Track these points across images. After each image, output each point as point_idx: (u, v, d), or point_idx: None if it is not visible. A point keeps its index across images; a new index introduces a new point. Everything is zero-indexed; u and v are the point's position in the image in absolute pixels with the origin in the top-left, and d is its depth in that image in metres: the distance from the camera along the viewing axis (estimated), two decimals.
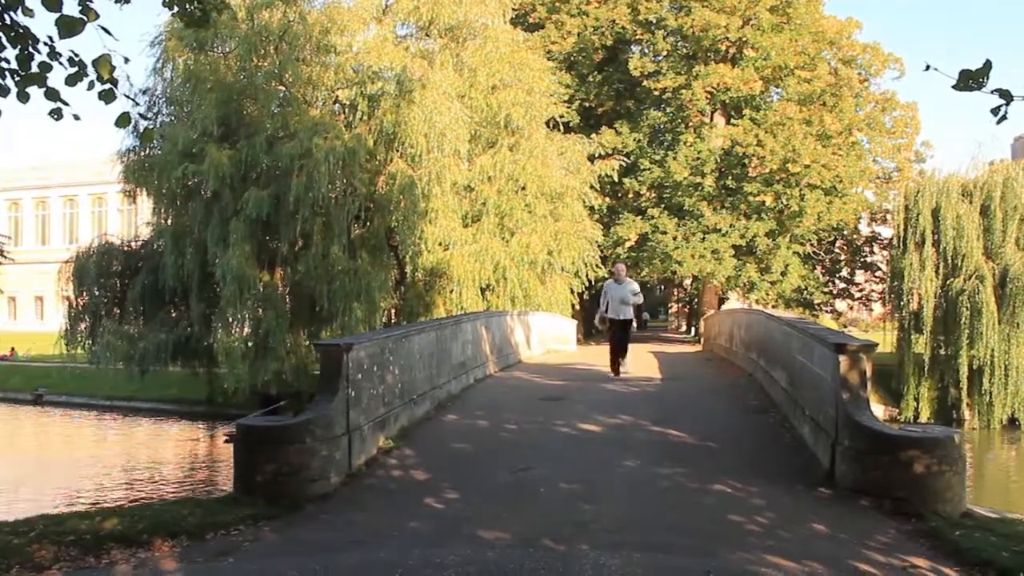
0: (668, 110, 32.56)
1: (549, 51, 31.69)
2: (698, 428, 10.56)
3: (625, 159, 31.13)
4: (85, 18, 4.59)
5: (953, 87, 3.17)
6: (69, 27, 4.46)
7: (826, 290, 36.45)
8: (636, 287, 15.52)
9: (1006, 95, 3.24)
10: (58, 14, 4.49)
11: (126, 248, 27.45)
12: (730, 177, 31.87)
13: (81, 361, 27.50)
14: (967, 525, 6.62)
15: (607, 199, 31.71)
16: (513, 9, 28.75)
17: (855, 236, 37.50)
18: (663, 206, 32.23)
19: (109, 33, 4.80)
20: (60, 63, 4.76)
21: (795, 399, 10.92)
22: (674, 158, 30.85)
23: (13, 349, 41.68)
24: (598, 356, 19.71)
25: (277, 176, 22.53)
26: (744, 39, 30.90)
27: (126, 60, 4.85)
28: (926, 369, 26.02)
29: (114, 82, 4.80)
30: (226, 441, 21.28)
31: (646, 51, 33.60)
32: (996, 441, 24.54)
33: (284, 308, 23.92)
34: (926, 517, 6.71)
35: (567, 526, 6.39)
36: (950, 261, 25.56)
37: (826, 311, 38.34)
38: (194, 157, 22.85)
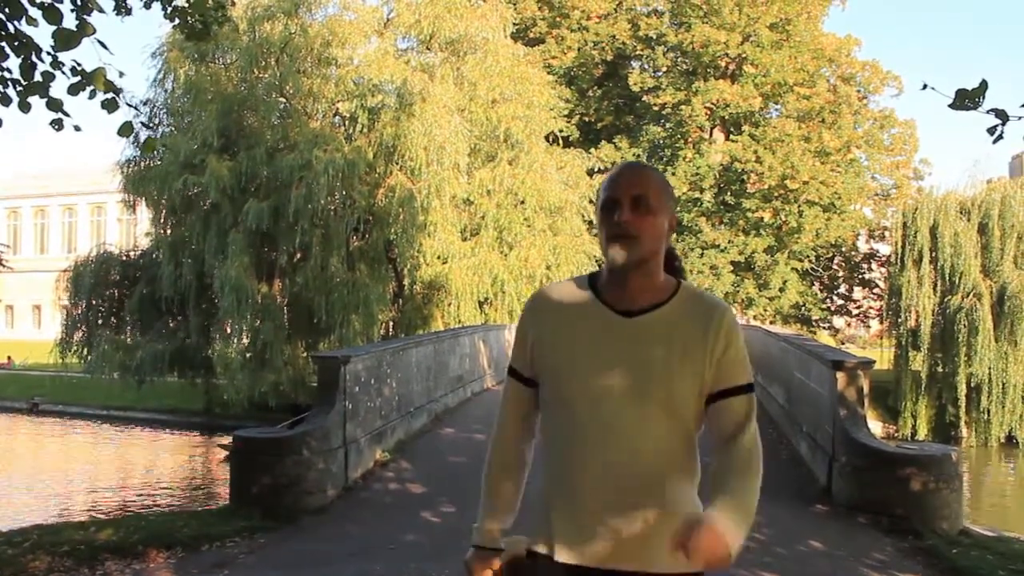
0: (667, 125, 32.64)
1: (549, 65, 31.80)
2: None
3: None
4: (82, 32, 4.61)
5: (950, 106, 3.19)
6: (66, 40, 4.49)
7: (824, 306, 36.46)
8: (735, 326, 1.97)
9: (1002, 115, 3.26)
10: (57, 26, 4.52)
11: (124, 258, 27.43)
12: (729, 193, 31.95)
13: (78, 370, 27.43)
14: (964, 543, 6.62)
15: None
16: (514, 24, 28.85)
17: (853, 253, 37.51)
18: None
19: (105, 47, 4.82)
20: (63, 73, 4.78)
21: (792, 415, 10.93)
22: (673, 173, 30.90)
23: (10, 358, 41.57)
24: None
25: (277, 188, 22.55)
26: (744, 56, 31.03)
27: (121, 74, 4.88)
28: (923, 386, 25.99)
29: (116, 92, 4.83)
30: (224, 459, 21.38)
31: (646, 67, 33.74)
32: (994, 459, 24.50)
33: (282, 319, 23.89)
34: (923, 535, 6.71)
35: None
36: (948, 279, 25.57)
37: (824, 327, 38.33)
38: (194, 168, 22.89)
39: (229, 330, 23.22)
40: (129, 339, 25.18)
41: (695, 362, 1.89)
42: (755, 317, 31.54)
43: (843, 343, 39.23)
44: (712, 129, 32.81)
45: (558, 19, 33.83)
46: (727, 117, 31.88)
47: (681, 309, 1.94)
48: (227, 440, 22.28)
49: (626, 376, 1.89)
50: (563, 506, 1.94)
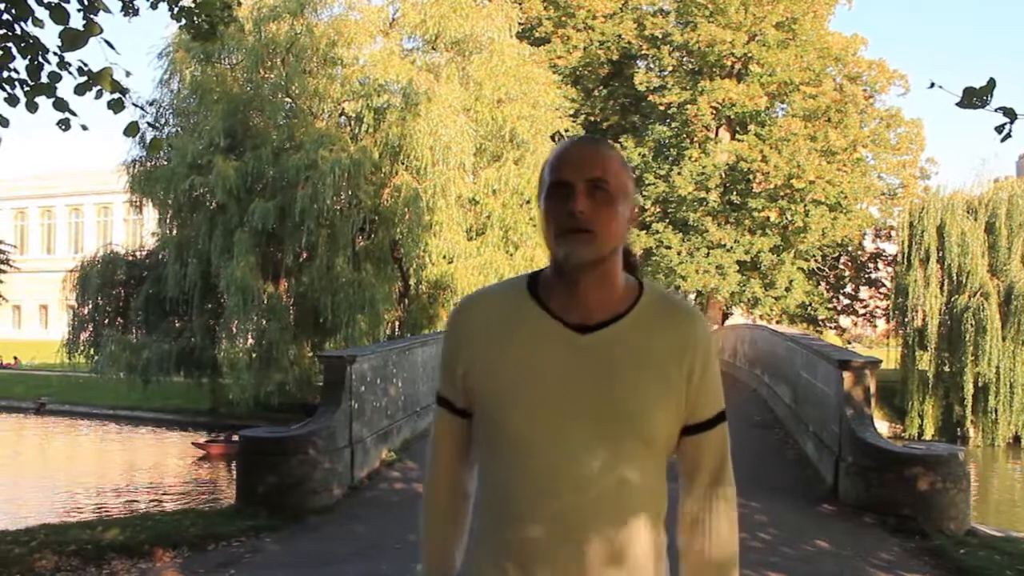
0: (673, 125, 32.59)
1: (555, 65, 31.78)
2: None
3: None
4: (89, 32, 4.62)
5: (957, 104, 3.18)
6: (73, 40, 4.50)
7: (830, 306, 36.36)
8: (711, 339, 1.66)
9: (1010, 113, 3.25)
10: (63, 27, 4.53)
11: (130, 258, 27.51)
12: (735, 192, 31.89)
13: (84, 370, 27.53)
14: (971, 543, 6.60)
15: None
16: (519, 23, 28.84)
17: (859, 252, 37.43)
18: (668, 221, 32.24)
19: (112, 47, 4.84)
20: (69, 73, 4.79)
21: (799, 415, 10.91)
22: (679, 173, 30.89)
23: (16, 358, 41.70)
24: None
25: (283, 188, 22.59)
26: (750, 55, 30.97)
27: (128, 74, 4.89)
28: (930, 386, 25.94)
29: (123, 91, 4.84)
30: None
31: (652, 66, 33.68)
32: (1001, 459, 24.43)
33: (288, 319, 23.93)
34: (930, 535, 6.70)
35: None
36: (955, 278, 25.52)
37: (830, 327, 38.25)
38: (200, 168, 22.94)
39: (235, 330, 23.26)
40: (135, 339, 25.25)
41: (673, 385, 1.55)
42: (761, 317, 31.50)
43: (849, 343, 39.18)
44: (718, 128, 32.76)
45: (564, 19, 33.81)
46: (733, 116, 31.84)
47: (648, 319, 1.57)
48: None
49: (589, 409, 1.51)
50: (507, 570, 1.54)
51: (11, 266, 34.87)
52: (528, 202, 25.24)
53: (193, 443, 22.63)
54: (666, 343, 1.56)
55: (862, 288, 39.26)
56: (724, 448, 1.64)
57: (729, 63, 31.72)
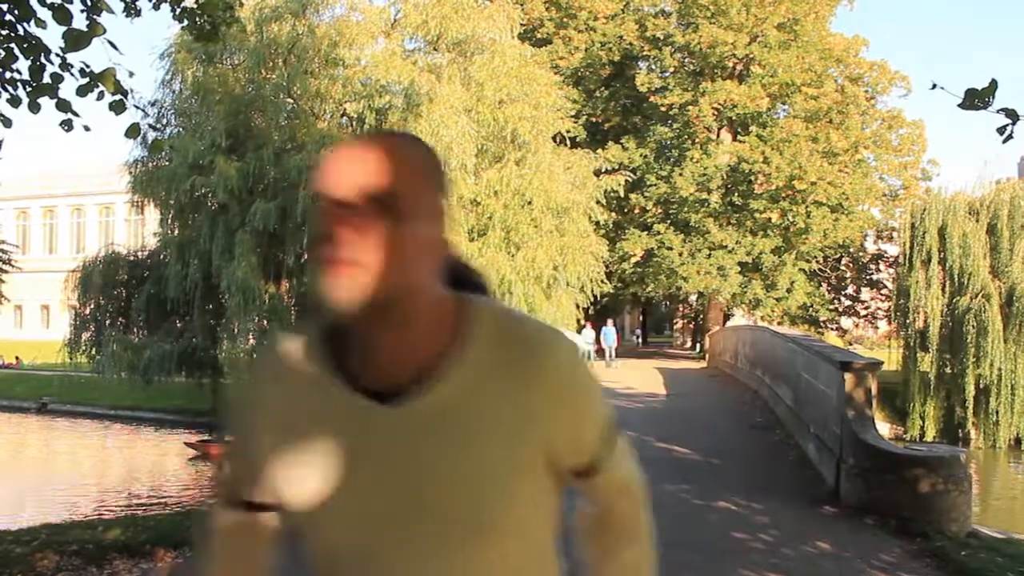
0: (675, 126, 32.65)
1: (556, 66, 31.81)
2: (703, 445, 10.55)
3: (631, 174, 31.15)
4: (92, 32, 4.63)
5: (959, 106, 3.18)
6: (76, 41, 4.51)
7: (832, 307, 36.39)
8: (575, 366, 1.18)
9: (1012, 114, 3.25)
10: (67, 27, 4.54)
11: (132, 258, 27.49)
12: (736, 194, 31.91)
13: (85, 370, 27.55)
14: (973, 545, 6.61)
15: (613, 214, 31.71)
16: (521, 24, 28.85)
17: (861, 253, 37.47)
18: (669, 222, 32.26)
19: (116, 48, 4.84)
20: (71, 74, 4.80)
21: (800, 416, 10.91)
22: (680, 174, 30.90)
23: (18, 358, 41.73)
24: (605, 372, 19.68)
25: (284, 188, 22.60)
26: (751, 56, 31.00)
27: (131, 74, 4.90)
28: (932, 388, 25.93)
29: (124, 93, 4.84)
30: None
31: (653, 67, 33.73)
32: (1002, 460, 24.42)
33: (289, 320, 23.93)
34: (931, 536, 6.70)
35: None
36: (956, 279, 25.52)
37: (832, 328, 38.27)
38: (202, 169, 22.95)
39: (236, 330, 23.25)
40: (137, 339, 25.26)
41: (516, 450, 1.12)
42: (763, 318, 31.51)
43: (851, 344, 39.16)
44: (719, 130, 32.79)
45: (565, 20, 33.86)
46: (734, 118, 31.87)
47: (477, 365, 1.12)
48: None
49: (412, 507, 1.11)
50: None
51: (13, 266, 34.94)
52: (530, 202, 25.25)
53: (185, 442, 22.68)
54: (508, 395, 1.12)
55: (863, 289, 39.29)
56: (626, 476, 1.35)
57: (730, 64, 31.77)
